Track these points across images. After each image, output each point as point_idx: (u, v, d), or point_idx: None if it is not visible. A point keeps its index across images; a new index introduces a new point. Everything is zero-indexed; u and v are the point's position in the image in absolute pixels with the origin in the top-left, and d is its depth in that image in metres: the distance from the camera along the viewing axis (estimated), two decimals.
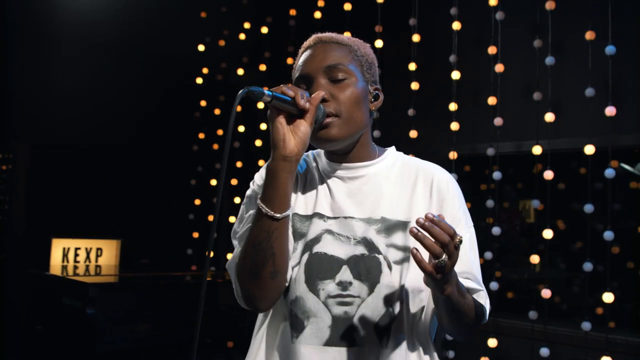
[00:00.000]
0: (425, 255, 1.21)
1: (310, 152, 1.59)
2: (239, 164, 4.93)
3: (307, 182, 1.53)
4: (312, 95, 1.36)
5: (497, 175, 3.58)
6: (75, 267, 4.56)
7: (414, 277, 1.39)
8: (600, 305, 3.57)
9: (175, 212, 5.22)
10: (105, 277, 4.27)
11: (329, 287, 1.38)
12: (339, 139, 1.41)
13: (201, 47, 5.19)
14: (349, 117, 1.41)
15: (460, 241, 1.20)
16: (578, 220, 4.25)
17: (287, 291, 1.41)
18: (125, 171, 5.11)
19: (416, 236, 1.17)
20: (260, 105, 4.81)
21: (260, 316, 1.53)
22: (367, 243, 1.41)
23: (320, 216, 1.45)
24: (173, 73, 5.13)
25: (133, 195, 5.13)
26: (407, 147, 3.84)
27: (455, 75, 3.75)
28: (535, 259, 3.47)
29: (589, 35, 3.33)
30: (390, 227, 1.42)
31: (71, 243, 4.68)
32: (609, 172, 3.17)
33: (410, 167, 1.52)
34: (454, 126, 3.75)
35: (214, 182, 5.13)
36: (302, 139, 1.33)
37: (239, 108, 4.91)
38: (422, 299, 1.43)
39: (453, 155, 3.74)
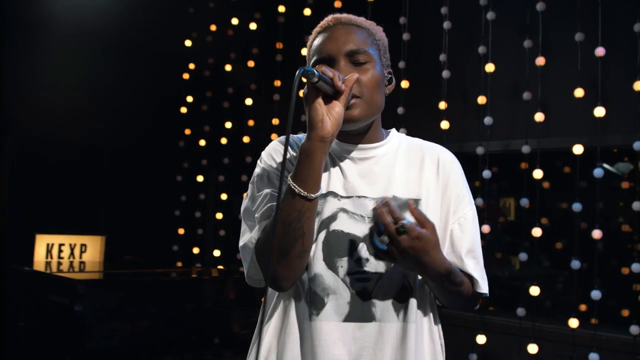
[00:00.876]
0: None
1: None
2: (226, 161, 4.91)
3: None
4: (347, 77, 1.36)
5: (486, 173, 3.62)
6: (60, 264, 4.51)
7: None
8: (584, 302, 3.63)
9: (161, 208, 5.19)
10: (91, 274, 4.23)
11: (347, 264, 1.42)
12: (361, 119, 1.43)
13: (188, 43, 5.16)
14: (371, 99, 1.43)
15: (402, 226, 1.27)
16: (562, 218, 4.33)
17: (305, 269, 1.43)
18: (110, 167, 5.06)
19: (373, 216, 1.29)
20: (249, 101, 4.80)
21: (270, 296, 1.53)
22: None
23: (335, 195, 1.47)
24: (160, 68, 5.09)
25: (118, 191, 5.09)
26: None
27: (446, 74, 3.78)
28: (523, 256, 3.51)
29: (579, 36, 3.38)
30: (402, 205, 1.44)
31: (55, 239, 4.63)
32: (598, 172, 3.22)
33: (416, 147, 1.56)
34: (444, 125, 3.78)
35: (200, 178, 5.10)
36: (337, 119, 1.34)
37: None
38: None
39: None
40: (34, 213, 4.76)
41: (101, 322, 3.55)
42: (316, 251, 1.42)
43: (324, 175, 1.50)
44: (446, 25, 3.80)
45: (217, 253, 4.91)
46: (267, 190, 1.47)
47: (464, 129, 3.97)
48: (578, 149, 3.33)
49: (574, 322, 3.29)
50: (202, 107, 5.11)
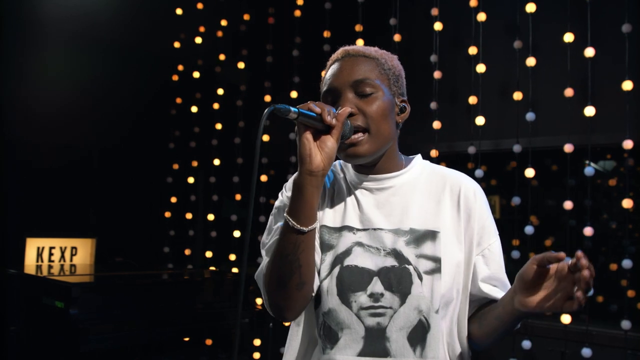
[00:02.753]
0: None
1: (337, 162, 1.61)
2: (216, 162, 4.91)
3: (335, 193, 1.55)
4: (339, 112, 1.37)
5: (478, 172, 3.66)
6: (50, 267, 4.48)
7: (444, 287, 1.42)
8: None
9: (151, 209, 5.18)
10: (83, 277, 4.20)
11: (361, 299, 1.41)
12: (368, 154, 1.45)
13: (177, 44, 5.15)
14: (377, 131, 1.44)
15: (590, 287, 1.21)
16: (550, 216, 4.39)
17: (319, 303, 1.44)
18: (99, 169, 5.04)
19: (582, 267, 1.22)
20: (239, 103, 4.81)
21: (293, 326, 1.56)
22: (397, 254, 1.43)
23: (350, 229, 1.47)
24: (148, 70, 5.08)
25: (108, 193, 5.06)
26: None
27: (436, 75, 3.81)
28: (515, 254, 3.56)
29: (568, 37, 3.44)
30: (419, 237, 1.44)
31: (45, 242, 4.60)
32: (589, 170, 3.27)
33: (437, 177, 1.55)
34: (436, 124, 3.81)
35: (190, 179, 5.10)
36: (329, 154, 1.35)
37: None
38: (453, 309, 1.46)
39: (434, 153, 3.81)
40: (24, 216, 4.73)
41: (96, 325, 3.54)
42: (330, 286, 1.43)
43: (340, 209, 1.51)
44: (437, 26, 3.83)
45: (208, 254, 4.92)
46: (280, 224, 1.47)
47: (454, 129, 4.01)
48: (569, 148, 3.39)
49: (566, 319, 3.34)
50: (191, 109, 5.10)
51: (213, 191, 4.92)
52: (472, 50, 3.76)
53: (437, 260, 1.43)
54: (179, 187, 5.15)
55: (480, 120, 3.70)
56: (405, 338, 1.41)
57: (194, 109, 5.10)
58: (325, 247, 1.47)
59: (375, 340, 1.41)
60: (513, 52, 3.66)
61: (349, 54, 1.51)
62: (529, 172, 3.48)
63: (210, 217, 4.96)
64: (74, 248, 4.74)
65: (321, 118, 1.33)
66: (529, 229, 3.46)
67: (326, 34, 4.27)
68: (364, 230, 1.47)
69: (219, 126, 4.94)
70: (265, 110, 1.26)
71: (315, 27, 4.33)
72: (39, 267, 4.43)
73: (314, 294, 1.44)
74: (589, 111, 3.32)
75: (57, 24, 4.58)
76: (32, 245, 4.55)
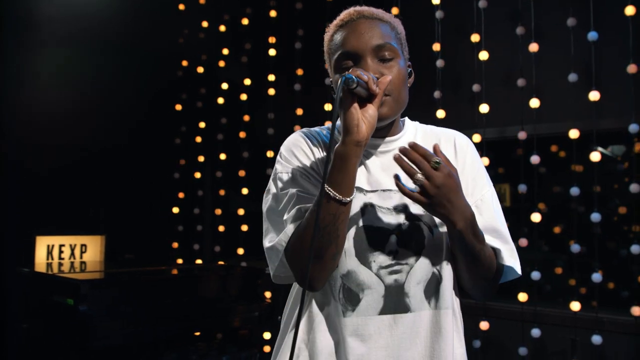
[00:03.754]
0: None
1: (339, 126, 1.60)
2: (222, 157, 4.92)
3: None
4: (380, 80, 1.36)
5: (484, 161, 3.63)
6: (61, 264, 4.51)
7: None
8: (584, 286, 3.66)
9: (159, 205, 5.20)
10: (93, 274, 4.23)
11: (380, 258, 1.42)
12: (390, 117, 1.45)
13: (180, 40, 5.16)
14: (398, 96, 1.44)
15: (437, 162, 1.26)
16: (559, 203, 4.35)
17: (337, 266, 1.43)
18: (107, 166, 5.06)
19: (397, 161, 1.28)
20: (243, 97, 4.80)
21: (296, 294, 1.55)
22: (407, 212, 1.45)
23: (360, 189, 1.47)
24: (153, 66, 5.08)
25: (116, 190, 5.09)
26: None
27: (439, 63, 3.79)
28: (523, 242, 3.54)
29: (571, 21, 3.40)
30: None
31: (55, 240, 4.63)
32: (595, 156, 3.24)
33: (432, 134, 1.58)
34: (440, 113, 3.79)
35: (197, 174, 5.11)
36: (371, 122, 1.34)
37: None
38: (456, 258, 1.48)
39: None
40: (33, 215, 4.77)
41: (106, 322, 3.56)
42: (348, 247, 1.42)
43: None
44: (438, 14, 3.81)
45: (217, 249, 4.93)
46: (292, 190, 1.46)
47: (458, 118, 3.98)
48: (574, 134, 3.36)
49: (575, 306, 3.32)
50: (197, 104, 5.11)
51: (220, 186, 4.93)
52: (475, 38, 3.73)
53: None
54: (186, 183, 5.17)
55: (484, 108, 3.68)
56: (422, 292, 1.43)
57: (199, 104, 5.10)
58: None
59: (395, 297, 1.42)
60: (516, 39, 3.63)
61: (363, 15, 1.48)
62: (534, 159, 3.46)
63: (218, 211, 4.97)
64: (83, 245, 4.77)
65: (367, 86, 1.32)
66: (535, 217, 3.43)
67: (328, 25, 4.27)
68: (374, 191, 1.47)
69: (224, 120, 4.94)
70: (339, 81, 1.25)
71: (317, 18, 4.31)
72: (49, 265, 4.46)
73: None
74: (594, 96, 3.29)
75: (59, 24, 4.60)
76: (42, 244, 4.58)
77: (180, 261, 5.06)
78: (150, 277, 4.15)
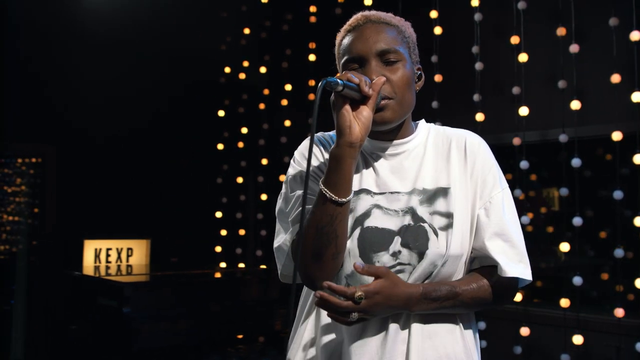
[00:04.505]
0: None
1: None
2: (264, 162, 4.97)
3: None
4: (374, 81, 1.38)
5: (524, 164, 3.58)
6: (108, 267, 4.63)
7: (457, 243, 1.43)
8: (631, 292, 3.56)
9: (203, 210, 5.28)
10: (138, 277, 4.33)
11: (384, 258, 1.43)
12: (393, 120, 1.45)
13: (223, 47, 5.24)
14: (402, 99, 1.44)
15: (359, 298, 1.29)
16: (604, 207, 4.25)
17: (341, 266, 1.45)
18: (152, 172, 5.18)
19: (322, 307, 1.32)
20: (284, 102, 4.85)
21: (306, 293, 1.57)
22: (413, 213, 1.44)
23: (367, 192, 1.48)
24: (197, 73, 5.19)
25: (162, 196, 5.20)
26: None
27: (479, 66, 3.76)
28: (565, 247, 3.47)
29: (613, 21, 3.33)
30: (431, 195, 1.46)
31: (102, 244, 4.76)
32: (639, 159, 3.16)
33: (444, 136, 1.56)
34: (479, 117, 3.76)
35: (239, 179, 5.18)
36: (365, 124, 1.35)
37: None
38: (463, 263, 1.48)
39: None
40: (82, 220, 4.92)
41: (149, 324, 3.64)
42: (352, 248, 1.44)
43: (357, 173, 1.51)
44: (477, 17, 3.77)
45: (259, 253, 4.98)
46: (299, 192, 1.49)
47: (499, 121, 3.94)
48: (617, 136, 3.28)
49: (619, 312, 3.23)
50: (238, 110, 5.18)
51: (262, 190, 4.99)
52: (515, 40, 3.69)
53: (449, 215, 1.44)
54: (229, 188, 5.24)
55: (524, 111, 3.62)
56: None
57: (241, 109, 5.18)
58: None
59: None
60: (556, 40, 3.57)
61: (370, 20, 1.49)
62: (575, 162, 3.38)
63: (260, 216, 5.02)
64: (129, 249, 4.89)
65: (359, 88, 1.34)
66: (577, 220, 3.36)
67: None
68: (381, 194, 1.48)
69: (265, 126, 4.99)
70: (319, 84, 1.27)
71: None
72: (96, 268, 4.58)
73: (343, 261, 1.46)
74: (637, 97, 3.21)
75: (110, 32, 4.73)
76: (90, 247, 4.71)
77: (223, 265, 5.13)
78: (193, 280, 4.22)
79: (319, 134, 1.61)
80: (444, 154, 1.52)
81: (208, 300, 3.93)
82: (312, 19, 4.69)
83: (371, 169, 1.52)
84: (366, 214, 1.46)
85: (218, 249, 5.24)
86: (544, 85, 3.80)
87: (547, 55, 3.72)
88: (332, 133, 1.61)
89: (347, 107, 1.34)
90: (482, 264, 1.50)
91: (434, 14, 3.95)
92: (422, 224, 1.44)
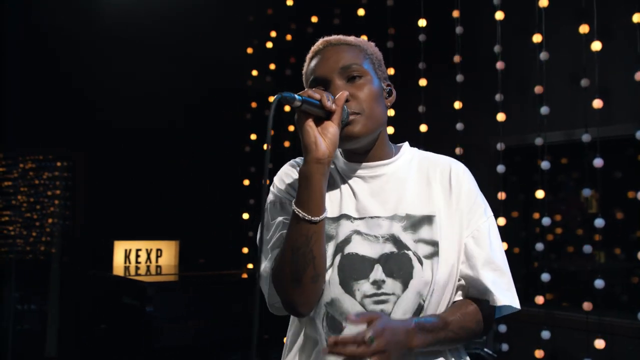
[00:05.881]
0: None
1: None
2: (270, 166, 4.99)
3: (327, 184, 1.50)
4: (337, 96, 1.37)
5: (545, 165, 3.52)
6: (137, 268, 4.72)
7: (444, 271, 1.40)
8: None
9: (231, 211, 5.34)
10: (162, 277, 4.41)
11: (364, 287, 1.39)
12: (363, 135, 1.43)
13: (249, 50, 5.29)
14: (370, 114, 1.43)
15: (370, 338, 1.23)
16: (636, 208, 4.14)
17: (322, 294, 1.42)
18: (182, 174, 5.27)
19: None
20: (287, 108, 4.87)
21: (292, 320, 1.55)
22: (395, 240, 1.42)
23: (347, 217, 1.46)
24: (224, 77, 5.25)
25: (190, 197, 5.28)
26: (452, 140, 3.83)
27: (500, 65, 3.71)
28: (587, 249, 3.39)
29: (637, 18, 3.24)
30: (416, 222, 1.43)
31: (132, 245, 4.85)
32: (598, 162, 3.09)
33: (427, 162, 1.54)
34: (500, 117, 3.71)
35: (268, 181, 5.20)
36: (332, 140, 1.34)
37: (287, 108, 4.99)
38: (449, 292, 1.44)
39: (500, 146, 3.70)
40: (111, 221, 5.03)
41: (171, 323, 3.70)
42: (332, 276, 1.41)
43: (336, 198, 1.50)
44: (499, 16, 3.72)
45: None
46: (280, 219, 1.47)
47: (522, 121, 3.88)
48: None
49: None
50: (265, 112, 5.22)
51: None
52: (537, 38, 3.62)
53: (435, 244, 1.41)
54: (256, 189, 5.28)
55: (545, 110, 3.56)
56: None
57: (267, 112, 5.21)
58: (326, 238, 1.45)
59: None
60: (579, 38, 3.49)
61: (330, 43, 1.50)
62: (598, 163, 3.30)
63: None
64: (159, 250, 4.97)
65: (321, 104, 1.33)
66: (599, 222, 3.28)
67: (390, 30, 4.28)
68: (361, 218, 1.45)
69: (291, 128, 5.02)
70: (274, 99, 1.27)
71: (378, 23, 4.33)
72: (126, 269, 4.68)
73: (324, 287, 1.42)
74: None
75: (137, 37, 4.83)
76: (120, 248, 4.81)
77: (250, 266, 5.18)
78: (218, 280, 4.27)
79: (298, 158, 1.59)
80: (429, 181, 1.50)
81: (233, 301, 3.96)
82: (336, 20, 4.70)
83: (350, 192, 1.50)
84: (346, 240, 1.43)
85: (245, 250, 5.29)
86: (567, 84, 3.73)
87: (570, 53, 3.64)
88: None
89: (311, 123, 1.34)
90: (467, 294, 1.48)
91: (455, 14, 3.92)
92: (405, 251, 1.41)
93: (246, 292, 4.13)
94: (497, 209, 3.62)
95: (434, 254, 1.40)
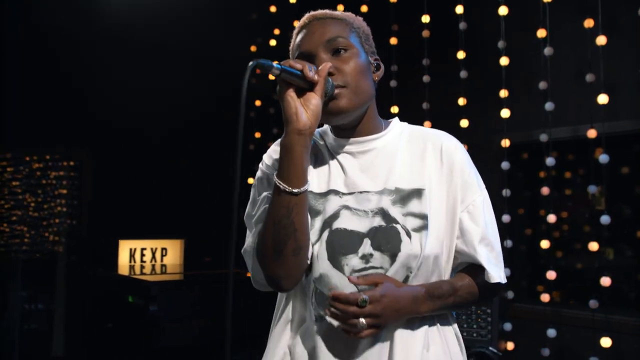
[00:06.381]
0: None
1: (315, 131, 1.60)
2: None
3: (316, 160, 1.52)
4: (320, 67, 1.35)
5: (550, 161, 3.48)
6: (142, 267, 4.72)
7: (432, 244, 1.39)
8: None
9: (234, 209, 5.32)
10: (166, 276, 4.40)
11: (353, 261, 1.38)
12: (349, 109, 1.41)
13: (253, 48, 5.28)
14: (357, 87, 1.41)
15: (363, 301, 1.27)
16: None
17: (310, 269, 1.42)
18: (185, 172, 5.26)
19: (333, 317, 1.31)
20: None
21: (280, 297, 1.54)
22: (384, 214, 1.40)
23: (336, 192, 1.45)
24: (228, 75, 5.22)
25: (195, 196, 5.27)
26: (457, 137, 3.79)
27: (504, 61, 3.67)
28: (594, 246, 3.35)
29: None
30: (405, 196, 1.42)
31: (137, 244, 4.86)
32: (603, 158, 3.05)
33: (418, 136, 1.52)
34: (505, 113, 3.67)
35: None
36: (314, 111, 1.33)
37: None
38: (440, 265, 1.43)
39: (505, 143, 3.67)
40: (116, 220, 5.03)
41: (175, 322, 3.70)
42: (320, 251, 1.40)
43: (324, 174, 1.49)
44: (502, 11, 3.69)
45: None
46: (265, 194, 1.47)
47: (527, 117, 3.84)
48: None
49: None
50: (269, 110, 5.21)
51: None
52: (541, 33, 3.58)
53: (424, 217, 1.39)
54: None
55: (549, 106, 3.52)
56: None
57: (272, 110, 5.20)
58: (313, 213, 1.44)
59: None
60: (584, 32, 3.45)
61: (316, 17, 1.48)
62: (603, 158, 3.26)
63: None
64: (164, 249, 4.97)
65: (303, 75, 1.31)
66: (605, 219, 3.24)
67: (394, 26, 4.25)
68: (350, 194, 1.44)
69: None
70: (249, 65, 1.24)
71: (381, 19, 4.30)
72: (131, 268, 4.68)
73: (309, 260, 1.41)
74: None
75: (141, 36, 4.82)
76: (125, 247, 4.81)
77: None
78: (221, 279, 4.26)
79: None
80: (419, 155, 1.48)
81: (237, 299, 3.95)
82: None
83: (339, 168, 1.48)
84: (334, 216, 1.42)
85: None
86: (572, 79, 3.69)
87: (575, 48, 3.60)
88: (317, 130, 1.59)
89: (292, 93, 1.32)
90: (467, 265, 1.48)
91: (459, 9, 3.88)
92: (394, 225, 1.39)
93: (252, 290, 4.11)
94: (502, 206, 3.59)
95: (423, 227, 1.39)
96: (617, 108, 3.45)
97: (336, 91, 1.39)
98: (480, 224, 1.44)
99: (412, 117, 3.97)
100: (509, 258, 3.82)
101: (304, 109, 1.32)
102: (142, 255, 4.88)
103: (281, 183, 1.34)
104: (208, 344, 3.84)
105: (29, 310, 5.41)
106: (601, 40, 3.32)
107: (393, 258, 1.37)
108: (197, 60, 5.11)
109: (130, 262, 4.80)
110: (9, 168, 5.35)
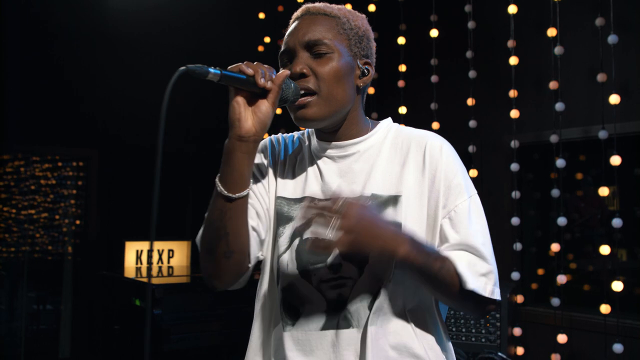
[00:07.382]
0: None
1: (305, 130, 1.53)
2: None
3: (297, 163, 1.47)
4: (277, 74, 1.29)
5: (560, 162, 3.42)
6: (149, 269, 4.70)
7: None
8: None
9: None
10: (172, 278, 4.37)
11: (321, 272, 1.33)
12: (318, 118, 1.35)
13: (260, 48, 5.24)
14: (329, 94, 1.34)
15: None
16: None
17: (279, 278, 1.37)
18: (192, 174, 5.23)
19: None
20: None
21: (256, 305, 1.47)
22: None
23: (311, 200, 1.39)
24: None
25: (202, 197, 5.23)
26: (466, 138, 3.74)
27: (514, 60, 3.61)
28: (605, 249, 3.28)
29: None
30: (381, 203, 1.35)
31: (143, 245, 4.83)
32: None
33: (403, 138, 1.43)
34: (514, 113, 3.61)
35: None
36: (262, 119, 1.27)
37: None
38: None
39: (514, 144, 3.61)
40: (123, 221, 5.01)
41: (179, 325, 3.66)
42: (290, 260, 1.35)
43: (301, 179, 1.44)
44: (512, 9, 3.63)
45: None
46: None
47: (538, 117, 3.78)
48: None
49: None
50: (276, 111, 5.17)
51: None
52: (551, 32, 3.52)
53: (397, 225, 1.32)
54: None
55: (560, 106, 3.45)
56: (367, 308, 1.31)
57: (279, 111, 5.16)
58: (285, 219, 1.39)
59: (338, 312, 1.32)
60: (595, 31, 3.38)
61: (309, 11, 1.41)
62: (615, 160, 3.20)
63: None
64: (170, 250, 4.94)
65: (254, 80, 1.25)
66: (616, 222, 3.18)
67: (402, 26, 4.20)
68: (327, 200, 1.34)
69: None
70: (177, 71, 1.20)
71: (389, 20, 4.25)
72: (138, 270, 4.65)
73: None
74: None
75: (147, 36, 4.81)
76: (131, 249, 4.78)
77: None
78: None
79: (274, 135, 1.54)
80: (401, 158, 1.40)
81: (240, 302, 3.92)
82: None
83: (317, 173, 1.43)
84: (307, 224, 1.36)
85: None
86: (583, 79, 3.62)
87: (586, 47, 3.54)
88: (291, 134, 1.55)
89: (239, 99, 1.27)
90: None
91: (468, 8, 3.83)
92: None
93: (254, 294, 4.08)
94: (512, 208, 3.53)
95: None
96: (630, 108, 3.39)
97: (306, 99, 1.34)
98: (460, 230, 1.33)
99: (420, 117, 3.96)
100: (519, 261, 3.76)
101: (251, 116, 1.27)
102: (149, 257, 4.85)
103: (218, 185, 1.31)
104: (214, 347, 3.81)
105: (37, 311, 5.41)
106: (613, 39, 3.25)
107: (361, 269, 1.31)
108: (204, 61, 5.07)
109: (136, 264, 4.78)
110: (21, 168, 5.36)
